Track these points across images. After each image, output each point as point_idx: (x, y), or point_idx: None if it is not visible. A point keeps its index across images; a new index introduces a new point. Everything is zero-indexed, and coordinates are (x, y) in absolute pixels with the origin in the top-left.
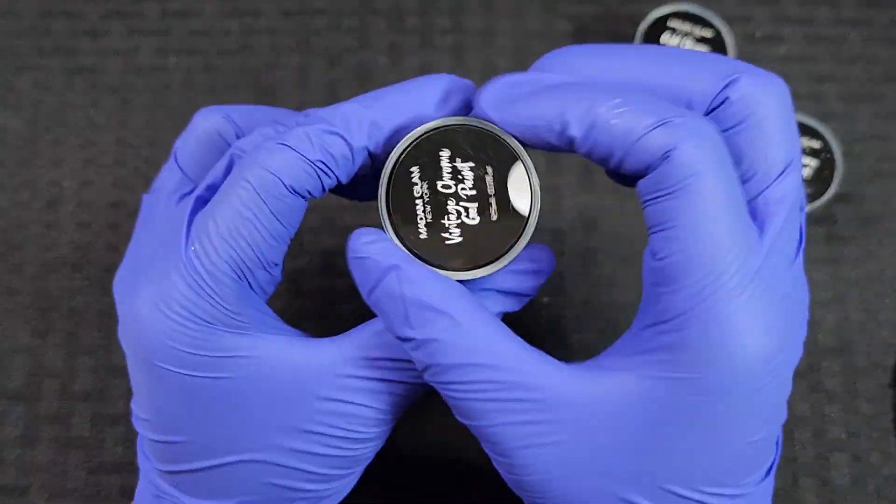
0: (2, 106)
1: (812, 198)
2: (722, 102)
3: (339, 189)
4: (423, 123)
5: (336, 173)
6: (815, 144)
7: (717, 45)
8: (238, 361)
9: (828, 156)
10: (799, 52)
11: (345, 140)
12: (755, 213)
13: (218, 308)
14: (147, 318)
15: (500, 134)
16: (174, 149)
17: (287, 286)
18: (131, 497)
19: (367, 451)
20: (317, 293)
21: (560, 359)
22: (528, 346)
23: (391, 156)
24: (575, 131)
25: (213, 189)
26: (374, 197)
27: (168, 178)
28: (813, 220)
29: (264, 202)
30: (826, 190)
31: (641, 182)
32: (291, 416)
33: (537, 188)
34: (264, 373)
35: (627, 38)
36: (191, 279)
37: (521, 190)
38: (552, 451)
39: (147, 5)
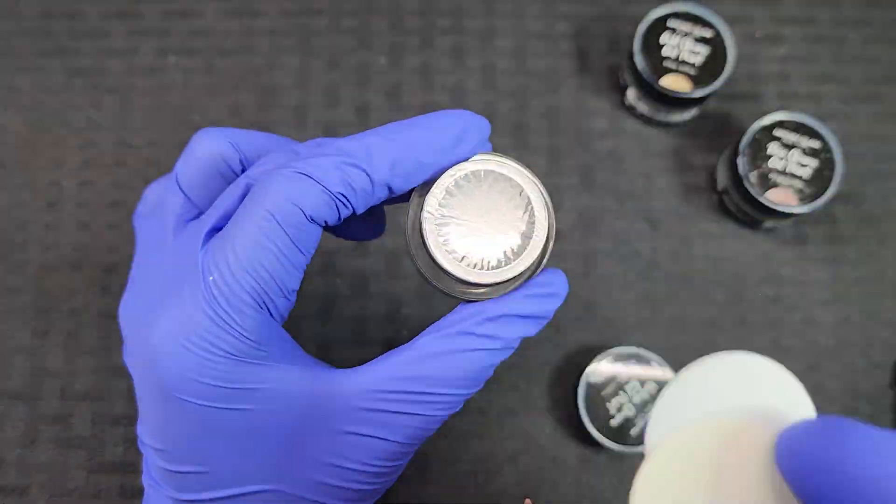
0: (2, 106)
1: (812, 197)
2: None
3: (332, 228)
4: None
5: (353, 205)
6: (815, 144)
7: (716, 45)
8: (262, 393)
9: (828, 156)
10: (799, 53)
11: (367, 174)
12: None
13: (242, 340)
14: (167, 351)
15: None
16: (175, 171)
17: None
18: (131, 497)
19: (381, 485)
20: (318, 294)
21: (559, 358)
22: None
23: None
24: None
25: (227, 218)
26: (368, 237)
27: (170, 202)
28: (813, 220)
29: (285, 233)
30: (826, 190)
31: None
32: (313, 449)
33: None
34: (287, 404)
35: (627, 39)
36: (213, 312)
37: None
38: None
39: (147, 6)
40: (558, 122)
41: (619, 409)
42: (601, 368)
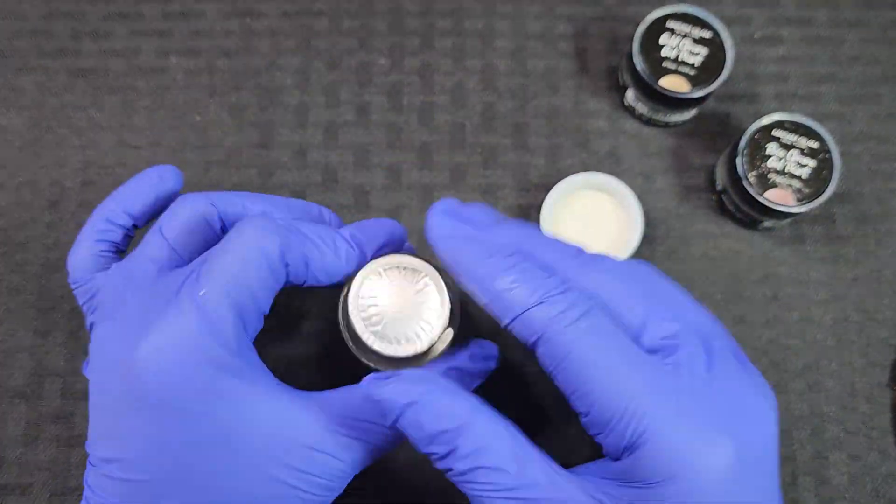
0: (4, 106)
1: (810, 197)
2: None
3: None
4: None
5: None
6: (814, 144)
7: (715, 46)
8: (236, 406)
9: (826, 156)
10: (797, 53)
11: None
12: (654, 350)
13: (226, 349)
14: (151, 363)
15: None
16: (159, 225)
17: None
18: None
19: (327, 498)
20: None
21: None
22: (530, 445)
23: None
24: (483, 299)
25: None
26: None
27: (156, 250)
28: (811, 219)
29: (264, 259)
30: (824, 190)
31: (538, 355)
32: (276, 463)
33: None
34: (257, 419)
35: (626, 40)
36: (201, 321)
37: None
38: None
39: (148, 6)
40: (558, 123)
41: None
42: None
